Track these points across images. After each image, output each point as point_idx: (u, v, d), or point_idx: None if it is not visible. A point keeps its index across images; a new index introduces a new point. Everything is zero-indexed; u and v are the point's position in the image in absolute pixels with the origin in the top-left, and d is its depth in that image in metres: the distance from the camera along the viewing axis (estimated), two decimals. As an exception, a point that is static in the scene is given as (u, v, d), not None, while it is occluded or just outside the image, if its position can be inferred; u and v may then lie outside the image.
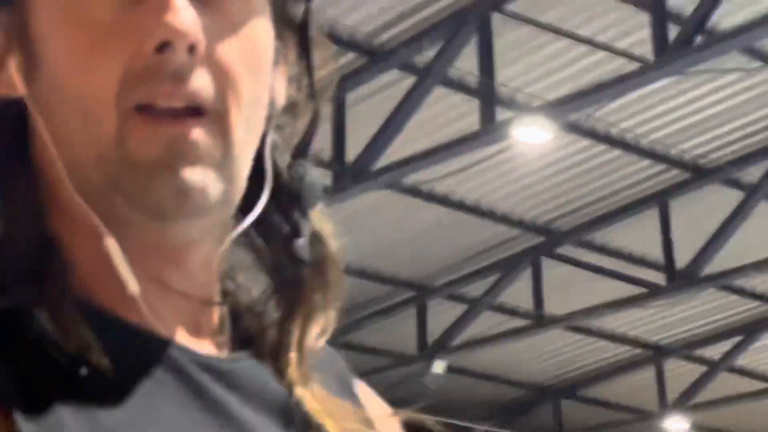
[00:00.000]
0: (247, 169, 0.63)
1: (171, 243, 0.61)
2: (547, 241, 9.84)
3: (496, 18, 7.18)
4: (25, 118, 0.61)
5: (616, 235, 9.88)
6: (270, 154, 0.67)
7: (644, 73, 6.97)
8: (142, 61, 0.56)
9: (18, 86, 0.60)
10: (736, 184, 9.31)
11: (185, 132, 0.57)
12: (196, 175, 0.57)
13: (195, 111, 0.58)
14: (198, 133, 0.58)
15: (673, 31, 6.80)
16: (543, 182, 9.02)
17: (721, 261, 9.48)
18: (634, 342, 11.53)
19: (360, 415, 0.68)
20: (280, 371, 0.65)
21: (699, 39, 6.85)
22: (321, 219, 0.71)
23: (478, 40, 7.18)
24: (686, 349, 11.67)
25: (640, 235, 9.72)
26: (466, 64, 7.29)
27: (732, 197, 9.32)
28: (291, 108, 0.70)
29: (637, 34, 7.37)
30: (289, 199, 0.68)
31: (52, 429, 0.50)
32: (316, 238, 0.69)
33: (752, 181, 9.26)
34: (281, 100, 0.69)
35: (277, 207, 0.68)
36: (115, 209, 0.58)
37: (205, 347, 0.63)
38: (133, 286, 0.57)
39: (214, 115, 0.59)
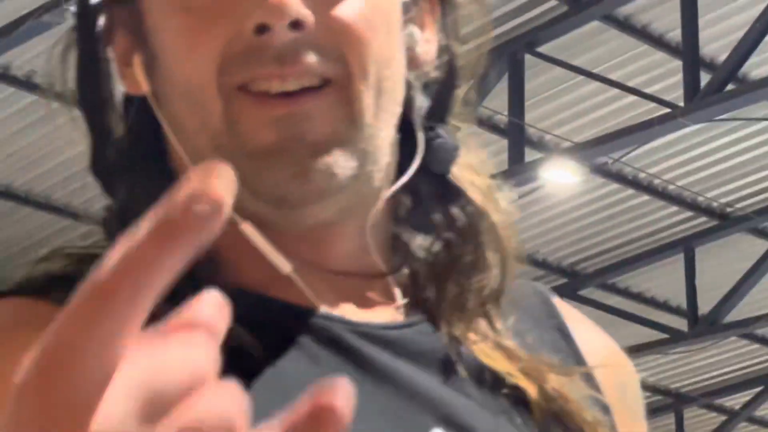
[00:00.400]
0: (389, 136, 0.59)
1: (304, 227, 0.58)
2: (570, 282, 9.76)
3: (528, 59, 7.19)
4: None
5: (639, 279, 9.77)
6: (419, 117, 0.63)
7: (674, 118, 6.93)
8: (241, 42, 0.54)
9: (142, 83, 0.59)
10: (762, 233, 9.24)
11: (298, 110, 0.54)
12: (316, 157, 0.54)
13: (312, 88, 0.55)
14: (314, 109, 0.54)
15: (705, 79, 6.79)
16: (569, 224, 8.97)
17: (745, 309, 9.36)
18: (654, 388, 11.36)
19: (567, 370, 0.63)
20: (450, 332, 0.61)
21: (730, 87, 6.84)
22: (471, 179, 0.66)
23: (509, 80, 7.18)
24: (706, 397, 11.49)
25: (664, 280, 9.62)
26: (496, 103, 7.29)
27: (758, 246, 9.24)
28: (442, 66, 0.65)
29: (668, 79, 7.38)
30: (437, 157, 0.64)
31: None
32: (464, 199, 0.65)
33: (779, 231, 9.19)
34: (428, 59, 0.64)
35: (423, 171, 0.63)
36: (240, 201, 0.51)
37: (375, 317, 0.61)
38: (283, 264, 0.55)
39: (335, 85, 0.55)
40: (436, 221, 0.64)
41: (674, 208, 8.86)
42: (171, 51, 0.58)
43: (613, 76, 7.39)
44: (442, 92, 0.65)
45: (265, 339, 0.53)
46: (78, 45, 0.61)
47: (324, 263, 0.59)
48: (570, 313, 0.72)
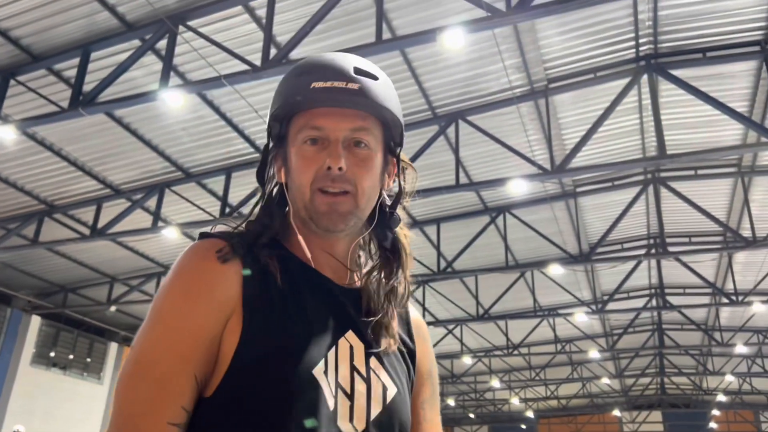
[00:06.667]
0: (369, 211, 1.43)
1: (331, 239, 1.43)
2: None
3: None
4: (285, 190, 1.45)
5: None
6: (382, 205, 1.47)
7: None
8: (321, 171, 1.35)
9: (282, 178, 1.46)
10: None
11: (338, 200, 1.36)
12: (342, 217, 1.36)
13: (345, 192, 1.37)
14: (343, 200, 1.36)
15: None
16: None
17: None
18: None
19: (400, 337, 1.49)
20: (371, 299, 1.44)
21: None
22: (403, 232, 1.51)
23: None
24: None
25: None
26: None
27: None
28: (398, 191, 1.50)
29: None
30: (389, 223, 1.49)
31: (262, 296, 1.29)
32: (399, 240, 1.51)
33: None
34: (390, 186, 1.50)
35: (383, 225, 1.48)
36: (310, 226, 1.39)
37: (342, 281, 1.43)
38: (308, 254, 1.41)
39: (351, 194, 1.37)
40: (386, 245, 1.49)
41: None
42: (295, 171, 1.38)
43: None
44: (396, 199, 1.52)
45: (293, 278, 1.35)
46: (261, 163, 1.48)
47: (334, 254, 1.45)
48: (415, 316, 1.63)
